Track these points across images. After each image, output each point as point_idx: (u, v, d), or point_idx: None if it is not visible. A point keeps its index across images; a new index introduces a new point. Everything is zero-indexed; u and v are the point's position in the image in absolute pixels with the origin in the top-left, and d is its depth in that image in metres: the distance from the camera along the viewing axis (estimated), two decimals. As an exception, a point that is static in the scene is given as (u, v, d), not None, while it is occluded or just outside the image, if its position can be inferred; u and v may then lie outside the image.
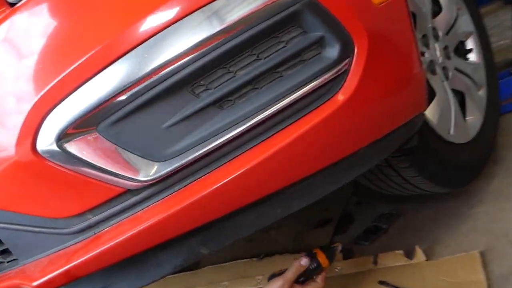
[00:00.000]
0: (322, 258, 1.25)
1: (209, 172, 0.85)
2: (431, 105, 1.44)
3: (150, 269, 0.90)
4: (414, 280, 1.35)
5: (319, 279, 1.27)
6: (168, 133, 0.82)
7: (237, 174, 0.85)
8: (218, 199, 0.86)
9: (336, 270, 1.53)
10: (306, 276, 1.24)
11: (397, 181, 1.42)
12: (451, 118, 1.53)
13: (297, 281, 1.22)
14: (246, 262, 1.76)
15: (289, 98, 0.85)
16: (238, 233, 0.93)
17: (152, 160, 0.82)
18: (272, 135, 0.87)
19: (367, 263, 1.49)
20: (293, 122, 0.88)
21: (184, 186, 0.85)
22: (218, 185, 0.84)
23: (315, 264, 1.25)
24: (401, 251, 1.46)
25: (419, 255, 1.41)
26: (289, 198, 0.94)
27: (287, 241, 1.25)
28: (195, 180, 0.85)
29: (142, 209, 0.84)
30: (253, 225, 0.93)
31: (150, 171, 0.82)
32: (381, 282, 1.38)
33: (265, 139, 0.87)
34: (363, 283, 1.44)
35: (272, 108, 0.85)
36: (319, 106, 0.88)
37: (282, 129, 0.87)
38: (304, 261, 1.24)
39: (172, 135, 0.82)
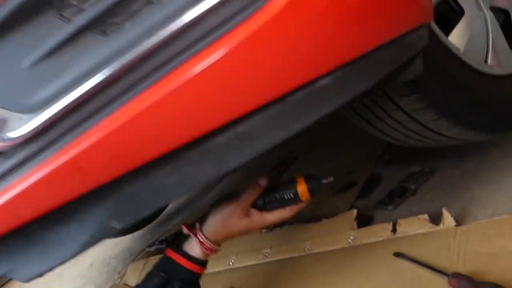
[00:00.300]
0: (302, 188, 1.00)
1: (97, 122, 0.65)
2: (457, 28, 1.11)
3: (52, 249, 0.73)
4: (438, 251, 1.06)
5: (289, 208, 1.04)
6: (33, 74, 0.63)
7: (137, 118, 0.64)
8: (115, 154, 0.66)
9: (349, 240, 1.28)
10: (276, 204, 1.02)
11: (413, 128, 1.12)
12: (488, 44, 1.17)
13: (256, 205, 1.03)
14: (254, 234, 1.55)
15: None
16: (157, 200, 0.72)
17: (19, 112, 0.64)
18: (183, 62, 0.65)
19: (384, 231, 1.22)
20: (214, 40, 0.65)
21: (69, 142, 0.66)
22: (111, 135, 0.64)
23: (291, 194, 1.00)
24: (425, 216, 1.16)
25: (447, 219, 1.11)
26: (222, 151, 0.71)
27: (303, 209, 1.03)
28: (81, 134, 0.65)
29: (19, 174, 0.66)
30: (176, 189, 0.71)
31: (19, 126, 0.64)
32: (397, 254, 1.11)
33: (172, 69, 0.65)
34: (375, 255, 1.17)
35: (178, 22, 0.62)
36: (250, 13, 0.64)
37: (195, 54, 0.64)
38: (263, 181, 1.02)
39: (38, 76, 0.63)
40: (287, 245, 1.43)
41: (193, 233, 1.01)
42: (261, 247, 1.49)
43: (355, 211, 1.34)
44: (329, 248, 1.30)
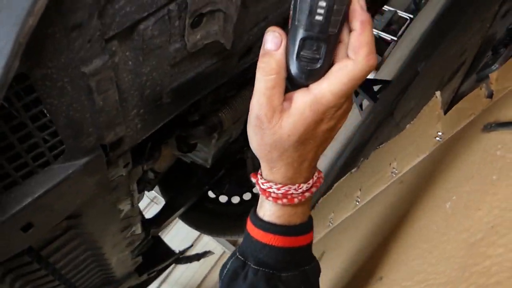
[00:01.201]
0: None
1: None
2: None
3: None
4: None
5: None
6: None
7: None
8: None
9: (437, 138, 0.82)
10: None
11: None
12: None
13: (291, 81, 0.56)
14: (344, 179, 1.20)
15: None
16: None
17: None
18: None
19: (477, 101, 0.73)
20: None
21: None
22: None
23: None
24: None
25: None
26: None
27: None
28: None
29: None
30: None
31: None
32: (487, 127, 0.63)
33: None
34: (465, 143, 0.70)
35: None
36: None
37: None
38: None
39: None
40: (375, 177, 1.04)
41: (253, 177, 0.65)
42: (351, 192, 1.12)
43: (438, 95, 0.86)
44: (416, 160, 0.87)
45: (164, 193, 2.10)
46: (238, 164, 2.01)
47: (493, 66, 0.83)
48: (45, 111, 0.62)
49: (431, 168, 0.79)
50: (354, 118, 3.43)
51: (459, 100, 0.84)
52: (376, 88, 2.82)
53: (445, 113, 0.82)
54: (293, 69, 0.52)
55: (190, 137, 1.30)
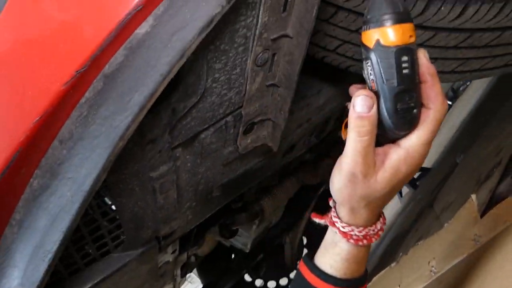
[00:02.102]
0: None
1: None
2: None
3: None
4: None
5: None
6: None
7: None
8: None
9: (474, 242, 0.85)
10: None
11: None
12: None
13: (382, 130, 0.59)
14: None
15: None
16: None
17: None
18: None
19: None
20: None
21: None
22: None
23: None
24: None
25: None
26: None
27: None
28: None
29: None
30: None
31: None
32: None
33: None
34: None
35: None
36: None
37: None
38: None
39: None
40: (415, 274, 1.04)
41: (327, 220, 0.66)
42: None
43: (473, 199, 0.90)
44: (455, 261, 0.88)
45: (202, 276, 2.12)
46: (277, 249, 2.03)
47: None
48: (113, 207, 0.70)
49: (469, 272, 0.80)
50: (394, 205, 3.40)
51: (497, 201, 0.86)
52: (416, 174, 2.83)
53: (481, 216, 0.85)
54: (392, 124, 0.55)
55: (233, 224, 1.36)
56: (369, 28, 0.53)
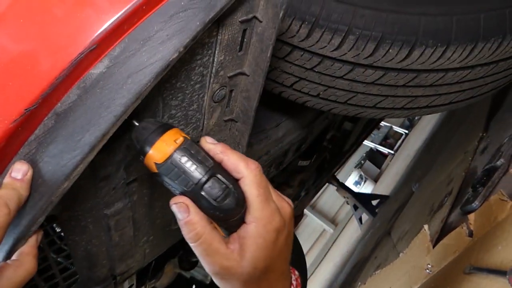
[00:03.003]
0: None
1: None
2: None
3: None
4: None
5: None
6: None
7: None
8: None
9: (426, 271, 0.87)
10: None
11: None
12: None
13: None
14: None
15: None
16: None
17: None
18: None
19: (459, 240, 0.80)
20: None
21: None
22: None
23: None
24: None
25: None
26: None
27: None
28: None
29: None
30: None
31: None
32: (467, 269, 0.69)
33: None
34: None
35: None
36: None
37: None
38: None
39: None
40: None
41: None
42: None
43: (426, 229, 0.93)
44: (410, 291, 0.91)
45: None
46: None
47: (473, 204, 0.90)
48: (64, 246, 0.68)
49: (423, 302, 0.83)
50: (354, 231, 3.45)
51: (448, 231, 0.90)
52: (374, 202, 2.90)
53: (434, 246, 0.88)
54: (222, 212, 0.53)
55: (193, 255, 1.34)
56: (143, 158, 0.53)
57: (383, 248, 1.67)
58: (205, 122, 0.69)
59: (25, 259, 0.49)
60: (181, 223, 0.53)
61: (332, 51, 0.68)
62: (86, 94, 0.48)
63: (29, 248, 0.50)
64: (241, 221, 0.55)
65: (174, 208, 0.54)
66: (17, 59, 0.49)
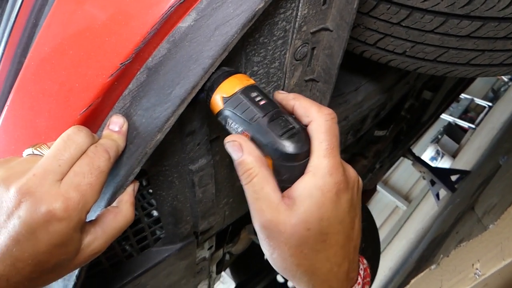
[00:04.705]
0: None
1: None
2: None
3: None
4: None
5: None
6: None
7: None
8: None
9: None
10: None
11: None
12: None
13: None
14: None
15: None
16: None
17: None
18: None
19: None
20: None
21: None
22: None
23: None
24: None
25: None
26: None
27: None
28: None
29: None
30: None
31: None
32: None
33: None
34: None
35: None
36: None
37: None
38: None
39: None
40: (457, 277, 1.00)
41: None
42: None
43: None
44: (502, 264, 0.85)
45: (235, 275, 2.13)
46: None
47: None
48: (152, 202, 0.71)
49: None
50: (430, 208, 3.31)
51: None
52: (454, 178, 2.75)
53: None
54: (284, 149, 0.47)
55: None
56: (211, 96, 0.51)
57: (466, 223, 1.58)
58: (286, 81, 0.68)
59: (124, 206, 0.52)
60: (235, 163, 0.49)
61: (423, 1, 0.63)
62: (175, 47, 0.49)
63: (127, 196, 0.53)
64: (301, 174, 0.48)
65: (228, 147, 0.49)
66: (112, 19, 0.51)
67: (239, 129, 0.50)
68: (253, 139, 0.49)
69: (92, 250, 0.47)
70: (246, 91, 0.51)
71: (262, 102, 0.50)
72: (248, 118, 0.49)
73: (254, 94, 0.50)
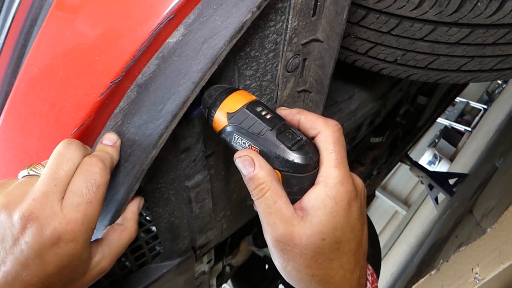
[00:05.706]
0: None
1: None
2: None
3: None
4: None
5: None
6: None
7: None
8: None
9: None
10: None
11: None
12: None
13: None
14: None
15: None
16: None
17: None
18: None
19: None
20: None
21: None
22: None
23: None
24: None
25: None
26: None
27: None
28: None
29: None
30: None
31: None
32: None
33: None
34: None
35: None
36: None
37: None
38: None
39: None
40: (457, 282, 1.00)
41: None
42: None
43: (519, 200, 0.86)
44: (501, 267, 0.84)
45: (237, 286, 2.11)
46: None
47: None
48: (150, 218, 0.71)
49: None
50: (429, 212, 3.30)
51: None
52: (451, 181, 2.75)
53: (529, 220, 0.81)
54: (295, 160, 0.48)
55: (266, 234, 1.35)
56: (214, 113, 0.52)
57: (465, 227, 1.57)
58: (279, 93, 0.69)
59: (129, 224, 0.52)
60: (246, 179, 0.48)
61: (412, 10, 0.63)
62: (164, 63, 0.49)
63: (131, 214, 0.53)
64: (311, 185, 0.49)
65: (238, 162, 0.49)
66: (102, 35, 0.51)
67: (247, 144, 0.50)
68: (261, 153, 0.50)
69: (100, 269, 0.48)
70: (251, 106, 0.51)
71: (268, 116, 0.51)
72: (256, 132, 0.50)
73: (259, 109, 0.51)
